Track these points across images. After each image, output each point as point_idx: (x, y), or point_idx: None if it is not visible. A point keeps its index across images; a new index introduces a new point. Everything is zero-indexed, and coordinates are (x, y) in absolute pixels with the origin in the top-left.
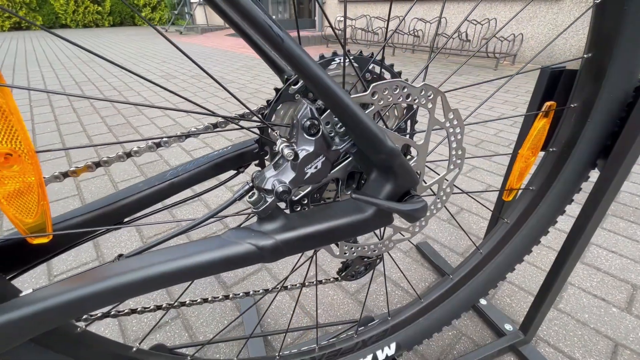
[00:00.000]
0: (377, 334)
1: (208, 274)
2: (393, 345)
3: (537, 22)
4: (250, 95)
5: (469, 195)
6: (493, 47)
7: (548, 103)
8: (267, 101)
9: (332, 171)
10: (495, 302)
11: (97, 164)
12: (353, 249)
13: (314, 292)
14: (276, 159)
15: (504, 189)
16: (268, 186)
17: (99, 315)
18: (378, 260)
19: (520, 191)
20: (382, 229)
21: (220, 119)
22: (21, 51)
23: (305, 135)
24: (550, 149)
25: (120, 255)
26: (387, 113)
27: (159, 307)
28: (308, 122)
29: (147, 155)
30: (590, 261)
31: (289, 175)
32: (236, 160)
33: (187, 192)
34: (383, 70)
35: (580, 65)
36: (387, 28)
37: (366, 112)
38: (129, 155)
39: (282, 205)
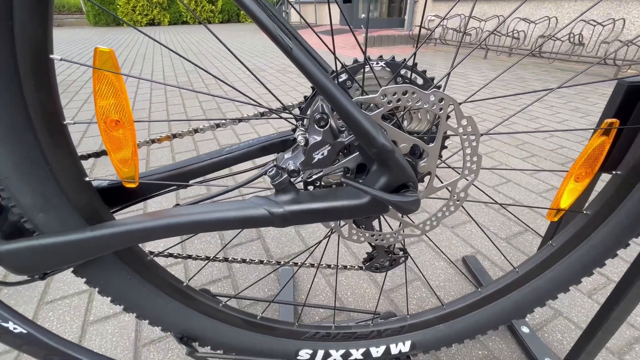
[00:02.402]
0: (393, 328)
1: (232, 227)
2: (408, 343)
3: None
4: None
5: (503, 206)
6: (615, 52)
7: (608, 120)
8: (305, 97)
9: (344, 161)
10: (542, 334)
11: (174, 135)
12: (361, 234)
13: (350, 278)
14: (295, 145)
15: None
16: (283, 165)
17: (165, 253)
18: (403, 258)
19: (571, 214)
20: (398, 223)
21: (265, 109)
22: (151, 43)
23: (315, 126)
24: (615, 172)
25: (177, 204)
26: (419, 116)
27: (207, 257)
28: (318, 116)
29: (229, 135)
30: None
31: (300, 158)
32: (280, 145)
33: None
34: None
35: None
36: (420, 28)
37: (375, 112)
38: (196, 131)
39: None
